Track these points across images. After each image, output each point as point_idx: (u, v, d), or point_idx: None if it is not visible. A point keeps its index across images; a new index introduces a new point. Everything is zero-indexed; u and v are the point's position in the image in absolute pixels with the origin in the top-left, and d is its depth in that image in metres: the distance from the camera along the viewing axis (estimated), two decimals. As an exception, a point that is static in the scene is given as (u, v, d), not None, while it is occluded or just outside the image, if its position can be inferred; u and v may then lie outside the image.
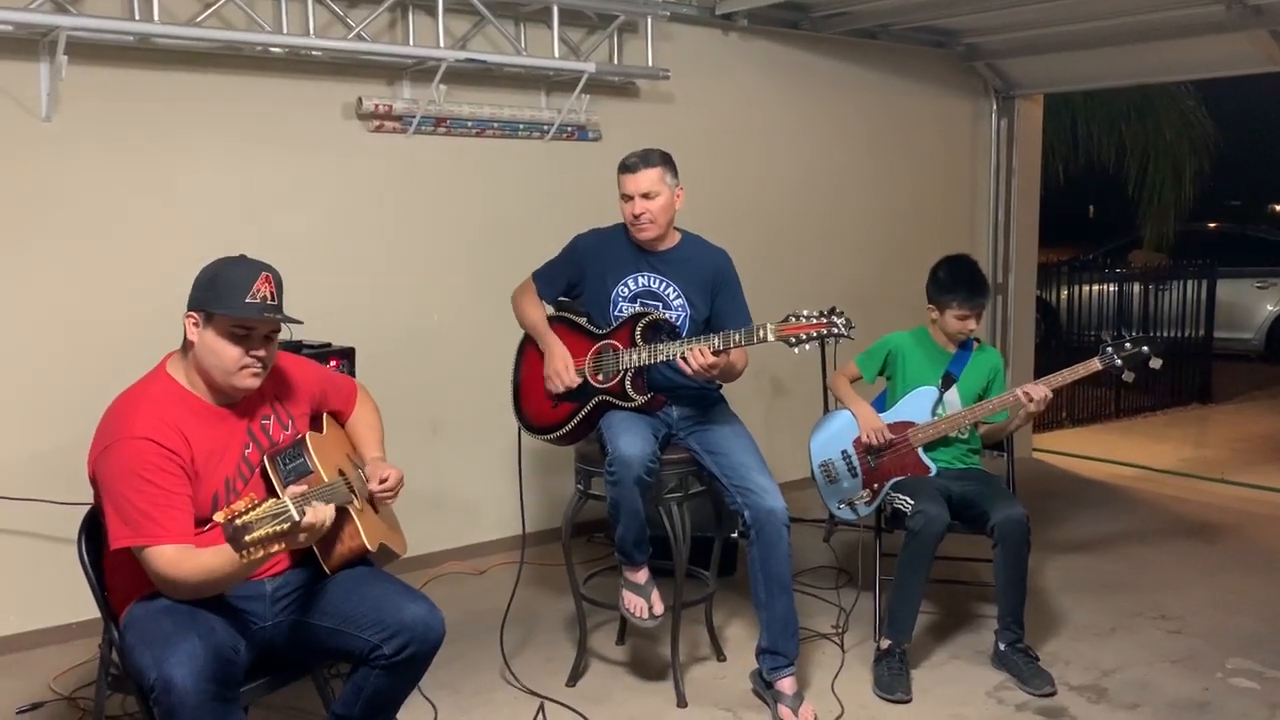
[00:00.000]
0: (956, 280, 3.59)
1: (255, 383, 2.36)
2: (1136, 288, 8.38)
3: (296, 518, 2.05)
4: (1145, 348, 3.44)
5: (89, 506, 2.40)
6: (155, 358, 2.41)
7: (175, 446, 2.23)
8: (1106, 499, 5.54)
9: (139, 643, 2.18)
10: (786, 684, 3.16)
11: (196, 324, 2.31)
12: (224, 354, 2.29)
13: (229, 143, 3.86)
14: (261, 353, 2.34)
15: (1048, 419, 7.26)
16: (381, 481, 2.58)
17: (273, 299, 2.34)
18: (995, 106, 6.16)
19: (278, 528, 2.01)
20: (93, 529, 2.39)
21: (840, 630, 3.74)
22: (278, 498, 2.10)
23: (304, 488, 2.32)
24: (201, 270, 2.36)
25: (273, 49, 3.84)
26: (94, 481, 2.28)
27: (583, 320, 3.30)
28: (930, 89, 5.92)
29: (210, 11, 3.70)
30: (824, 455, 3.68)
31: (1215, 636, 3.72)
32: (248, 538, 1.98)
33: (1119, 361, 3.45)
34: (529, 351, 3.37)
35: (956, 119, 6.09)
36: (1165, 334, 8.22)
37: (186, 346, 2.34)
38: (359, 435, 2.73)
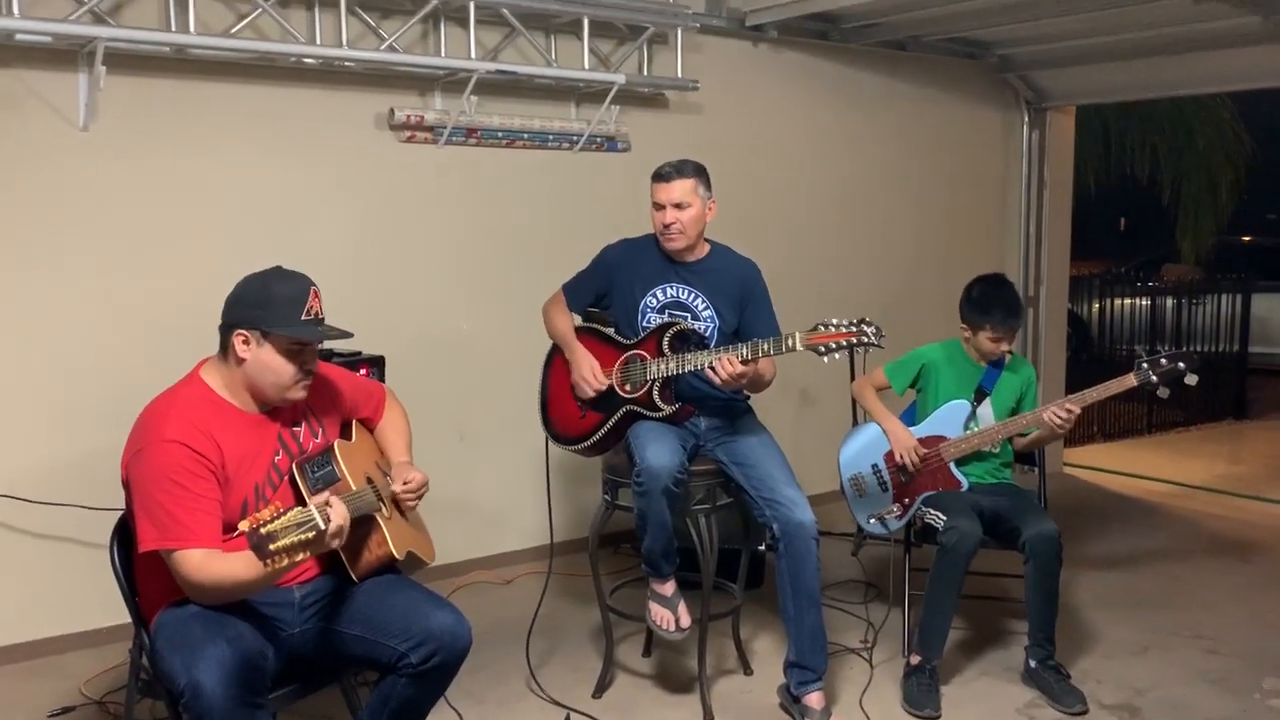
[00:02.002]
0: (991, 303, 3.54)
1: (305, 394, 2.41)
2: (1169, 301, 8.28)
3: (322, 526, 2.07)
4: (1181, 363, 3.37)
5: (121, 512, 2.42)
6: (190, 364, 2.43)
7: (206, 451, 2.25)
8: (1139, 515, 5.47)
9: (168, 648, 2.20)
10: (814, 699, 3.13)
11: (247, 342, 2.32)
12: (282, 371, 2.34)
13: (263, 152, 3.90)
14: (312, 366, 2.39)
15: (1079, 434, 7.18)
16: (405, 483, 2.59)
17: (321, 313, 2.38)
18: (1027, 118, 6.12)
19: (302, 536, 2.03)
20: (124, 534, 2.41)
21: (869, 645, 3.70)
22: (304, 506, 2.11)
23: (324, 496, 2.32)
24: (244, 286, 2.37)
25: (306, 60, 3.88)
26: (126, 485, 2.30)
27: (610, 330, 3.30)
28: (961, 100, 5.89)
29: (245, 23, 3.74)
30: (854, 469, 3.65)
31: (1252, 656, 3.66)
32: (272, 546, 2.00)
33: (1154, 377, 3.38)
34: (556, 362, 3.37)
35: (987, 130, 6.06)
36: (1199, 348, 8.11)
37: (230, 359, 2.35)
38: (387, 440, 2.74)
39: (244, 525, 2.04)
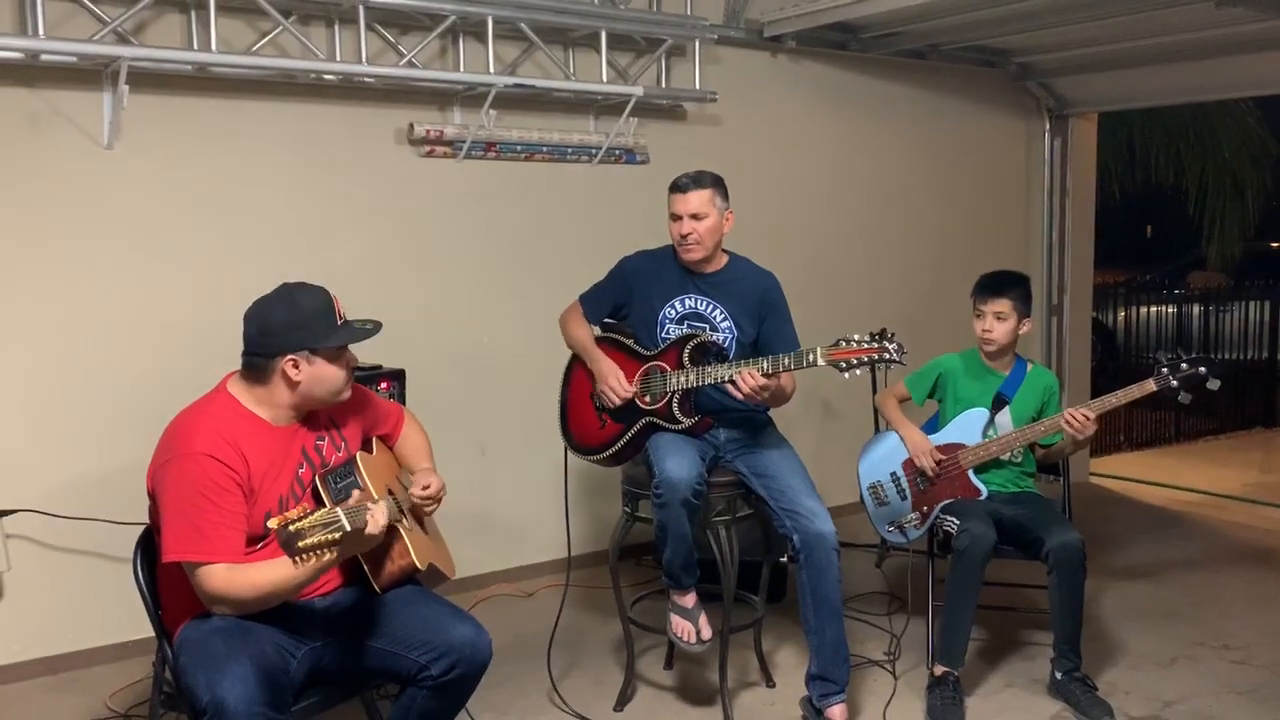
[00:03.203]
0: (979, 279, 3.59)
1: (350, 391, 2.48)
2: (1196, 309, 8.21)
3: (348, 527, 2.11)
4: (1202, 368, 3.32)
5: (145, 525, 2.44)
6: (215, 379, 2.46)
7: (234, 464, 2.27)
8: (1167, 525, 5.40)
9: (191, 664, 2.22)
10: (837, 711, 3.11)
11: (298, 365, 2.34)
12: (335, 378, 2.41)
13: (284, 168, 3.93)
14: (354, 362, 2.48)
15: (1106, 442, 7.12)
16: (423, 488, 2.61)
17: (344, 312, 2.44)
18: (1048, 126, 6.08)
19: (328, 536, 2.08)
20: (148, 547, 2.43)
21: (892, 657, 3.68)
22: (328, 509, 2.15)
23: (353, 498, 2.36)
24: (268, 312, 2.37)
25: (326, 76, 3.91)
26: (152, 495, 2.33)
27: (630, 341, 3.30)
28: (981, 109, 5.86)
29: (266, 40, 3.78)
30: (873, 477, 3.64)
31: (1282, 667, 3.61)
32: (300, 544, 2.05)
33: (1175, 382, 3.34)
34: (576, 372, 3.37)
35: (1008, 139, 6.02)
36: (1228, 356, 8.03)
37: (274, 383, 2.36)
38: (408, 453, 2.76)
39: (272, 523, 2.09)
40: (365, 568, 2.42)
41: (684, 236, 3.18)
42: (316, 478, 2.42)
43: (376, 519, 2.22)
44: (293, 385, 2.36)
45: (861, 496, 3.66)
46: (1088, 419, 3.34)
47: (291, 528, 2.05)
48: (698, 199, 3.16)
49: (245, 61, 3.70)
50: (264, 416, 2.39)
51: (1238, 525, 5.39)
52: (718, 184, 3.21)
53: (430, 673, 2.37)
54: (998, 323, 3.51)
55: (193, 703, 2.18)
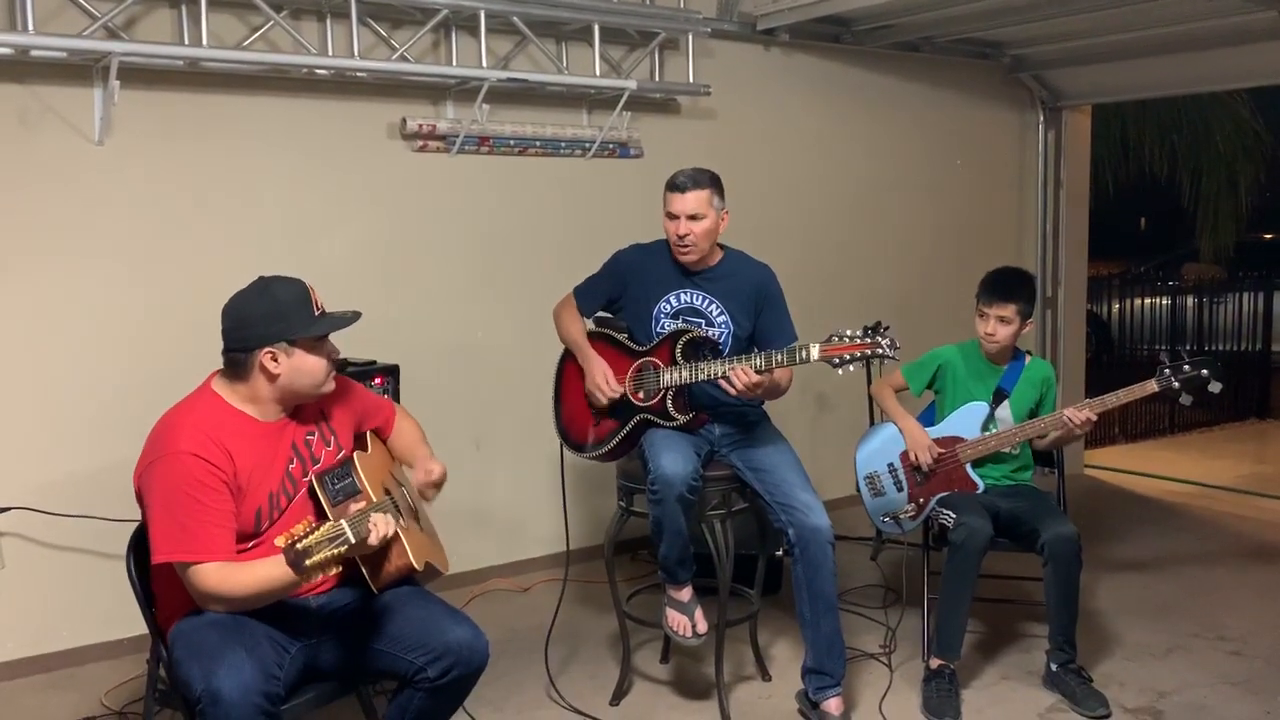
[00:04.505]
0: (985, 278, 3.57)
1: (334, 384, 2.46)
2: (1190, 300, 8.22)
3: (352, 539, 2.12)
4: (1205, 370, 3.31)
5: (138, 523, 2.43)
6: (207, 374, 2.44)
7: (219, 462, 2.26)
8: (1161, 517, 5.42)
9: (186, 656, 2.21)
10: (833, 704, 3.12)
11: (276, 358, 2.33)
12: (316, 369, 2.39)
13: (276, 163, 3.92)
14: (335, 353, 2.45)
15: (1101, 435, 7.13)
16: (428, 471, 2.62)
17: (322, 302, 2.42)
18: (1042, 118, 6.08)
19: (335, 551, 2.10)
20: (141, 545, 2.42)
21: (888, 650, 3.68)
22: (330, 520, 2.16)
23: (363, 504, 2.35)
24: (244, 306, 2.37)
25: (318, 71, 3.89)
26: (139, 496, 2.32)
27: (623, 337, 3.28)
28: (975, 101, 5.86)
29: (257, 35, 3.76)
30: (870, 467, 3.64)
31: (1276, 658, 3.61)
32: (308, 561, 2.06)
33: (1177, 384, 3.33)
34: (569, 367, 3.36)
35: (1002, 131, 6.02)
36: (1221, 347, 8.04)
37: (254, 377, 2.35)
38: (404, 445, 2.75)
39: (280, 541, 2.09)
40: (363, 569, 2.41)
41: (681, 237, 3.14)
42: (313, 479, 2.41)
43: (379, 530, 2.21)
44: (272, 378, 2.34)
45: (858, 486, 3.66)
46: (1089, 421, 3.34)
47: (299, 545, 2.06)
48: (695, 199, 3.12)
49: (236, 56, 3.68)
50: (250, 413, 2.37)
51: (1232, 517, 5.40)
52: (715, 183, 3.18)
53: (427, 674, 2.36)
54: (1001, 326, 3.50)
55: (187, 694, 2.18)
